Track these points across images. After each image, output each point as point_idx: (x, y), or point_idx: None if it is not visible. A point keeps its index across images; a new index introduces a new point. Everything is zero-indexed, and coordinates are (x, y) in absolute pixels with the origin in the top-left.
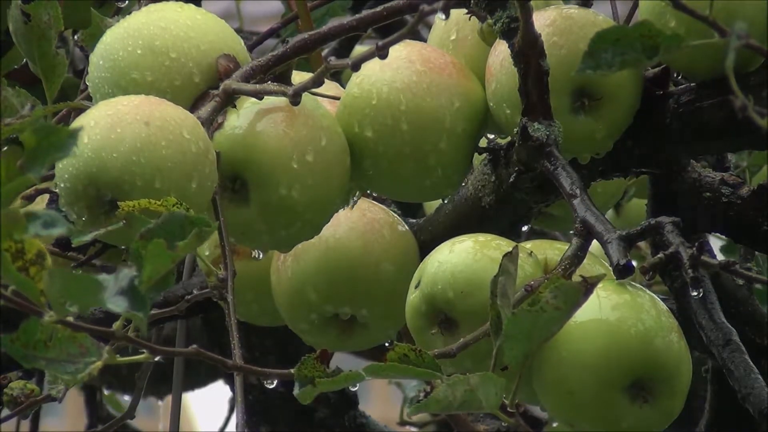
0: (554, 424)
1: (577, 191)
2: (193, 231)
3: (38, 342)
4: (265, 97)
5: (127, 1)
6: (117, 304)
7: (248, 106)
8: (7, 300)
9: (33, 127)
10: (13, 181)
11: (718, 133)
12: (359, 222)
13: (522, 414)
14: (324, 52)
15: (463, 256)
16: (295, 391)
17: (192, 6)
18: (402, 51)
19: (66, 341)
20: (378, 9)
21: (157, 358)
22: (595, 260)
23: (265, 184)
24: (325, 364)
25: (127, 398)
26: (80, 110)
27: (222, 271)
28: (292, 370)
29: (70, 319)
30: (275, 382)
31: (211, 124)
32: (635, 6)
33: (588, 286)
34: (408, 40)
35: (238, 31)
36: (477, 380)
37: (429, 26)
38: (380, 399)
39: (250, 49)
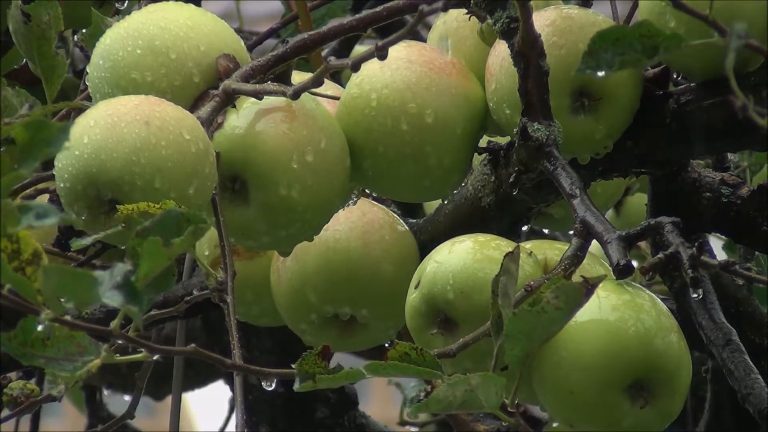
0: (554, 424)
1: (577, 191)
2: (189, 228)
3: (36, 340)
4: (265, 97)
5: (126, 3)
6: (112, 299)
7: (248, 106)
8: (4, 299)
9: (24, 122)
10: (6, 176)
11: (718, 133)
12: (359, 222)
13: (522, 414)
14: (324, 52)
15: (463, 257)
16: (296, 386)
17: (192, 6)
18: (402, 51)
19: (64, 340)
20: (378, 9)
21: (155, 357)
22: (595, 260)
23: (265, 185)
24: (327, 360)
25: (127, 398)
26: (80, 110)
27: (221, 273)
28: (291, 369)
29: (68, 317)
30: (274, 383)
31: (211, 124)
32: (635, 6)
33: (589, 286)
34: (408, 41)
35: (238, 31)
36: (477, 380)
37: (429, 26)
38: (380, 399)
39: (250, 49)
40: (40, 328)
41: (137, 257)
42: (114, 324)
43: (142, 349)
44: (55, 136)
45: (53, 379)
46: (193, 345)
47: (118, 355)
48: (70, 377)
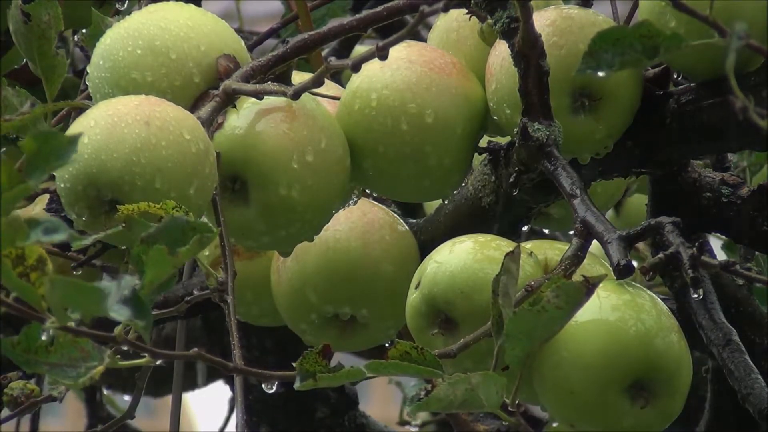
0: (554, 424)
1: (577, 191)
2: (194, 237)
3: (39, 347)
4: (266, 97)
5: (126, 3)
6: (119, 312)
7: (248, 106)
8: (8, 307)
9: (33, 133)
10: (14, 188)
11: (718, 133)
12: (359, 222)
13: (522, 414)
14: (324, 52)
15: (463, 257)
16: (296, 385)
17: (192, 6)
18: (402, 51)
19: (67, 346)
20: (378, 9)
21: (158, 362)
22: (595, 260)
23: (265, 185)
24: (327, 359)
25: (127, 398)
26: (80, 110)
27: (222, 273)
28: (292, 371)
29: (72, 324)
30: (275, 386)
31: (211, 124)
32: (635, 6)
33: (589, 286)
34: (408, 41)
35: (238, 31)
36: (478, 379)
37: (429, 26)
38: (380, 399)
39: (250, 49)
40: (44, 337)
41: (142, 265)
42: (118, 330)
43: (145, 354)
44: (63, 147)
45: (53, 381)
46: (195, 349)
47: (120, 357)
48: (73, 384)
